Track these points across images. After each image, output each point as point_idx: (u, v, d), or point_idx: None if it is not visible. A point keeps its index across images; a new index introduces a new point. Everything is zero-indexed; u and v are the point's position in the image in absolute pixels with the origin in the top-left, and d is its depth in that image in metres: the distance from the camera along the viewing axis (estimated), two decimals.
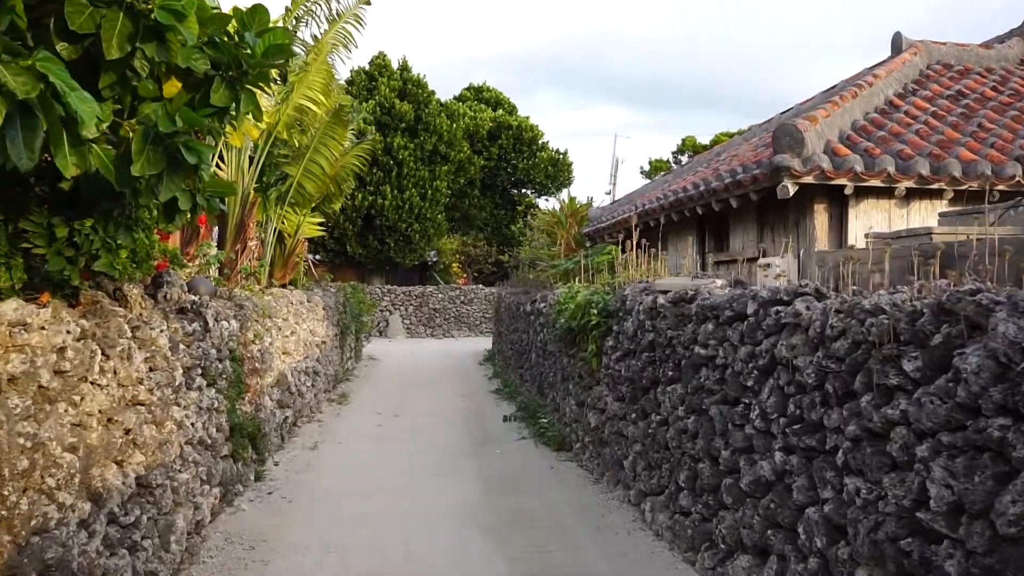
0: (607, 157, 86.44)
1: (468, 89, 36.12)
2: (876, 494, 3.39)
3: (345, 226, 27.93)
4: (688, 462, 5.43)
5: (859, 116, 8.82)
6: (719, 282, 6.10)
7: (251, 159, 12.20)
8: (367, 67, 29.96)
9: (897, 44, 11.27)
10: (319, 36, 13.12)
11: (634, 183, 57.74)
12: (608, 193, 32.29)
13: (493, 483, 7.89)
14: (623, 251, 7.82)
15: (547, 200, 35.33)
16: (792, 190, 7.55)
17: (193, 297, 6.20)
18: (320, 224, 18.39)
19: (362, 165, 16.09)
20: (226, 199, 12.03)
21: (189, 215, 5.30)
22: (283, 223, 14.39)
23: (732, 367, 4.81)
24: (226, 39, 4.17)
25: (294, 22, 13.06)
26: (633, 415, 6.70)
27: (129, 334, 4.57)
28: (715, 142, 29.89)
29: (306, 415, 10.65)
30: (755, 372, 4.52)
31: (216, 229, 12.11)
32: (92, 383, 4.03)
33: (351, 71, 30.19)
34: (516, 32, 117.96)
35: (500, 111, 34.42)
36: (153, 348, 4.95)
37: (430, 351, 23.07)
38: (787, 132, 7.52)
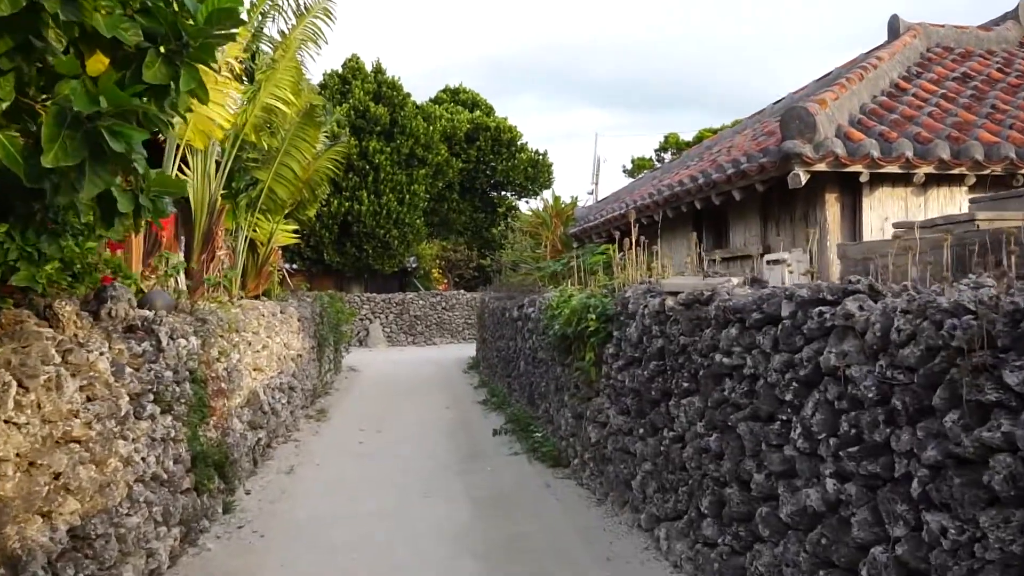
0: (586, 159, 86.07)
1: (444, 91, 35.37)
2: (970, 535, 2.76)
3: (321, 233, 27.12)
4: (711, 485, 4.79)
5: (867, 99, 8.25)
6: (735, 280, 5.47)
7: (218, 164, 11.48)
8: (340, 70, 29.19)
9: (894, 27, 10.74)
10: (286, 32, 12.41)
11: (616, 183, 57.33)
12: (591, 193, 31.74)
13: (486, 504, 7.23)
14: (621, 250, 7.18)
15: (528, 202, 34.67)
16: (804, 179, 6.95)
17: (147, 313, 5.50)
18: (295, 232, 17.64)
19: (337, 169, 15.36)
20: (193, 206, 11.33)
21: (132, 219, 4.63)
22: (255, 231, 13.67)
23: (765, 378, 4.18)
24: (162, 4, 3.48)
25: (260, 17, 12.33)
26: (641, 430, 6.06)
27: (58, 359, 3.86)
28: (699, 138, 29.40)
29: (282, 435, 9.92)
30: (794, 384, 3.89)
31: (183, 239, 11.38)
32: (6, 422, 3.32)
33: (324, 74, 29.41)
34: (491, 38, 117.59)
35: (477, 112, 33.70)
36: (91, 374, 4.24)
37: (412, 360, 22.34)
38: (797, 116, 6.92)
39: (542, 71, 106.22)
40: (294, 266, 28.29)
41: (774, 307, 4.14)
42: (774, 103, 12.68)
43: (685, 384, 5.21)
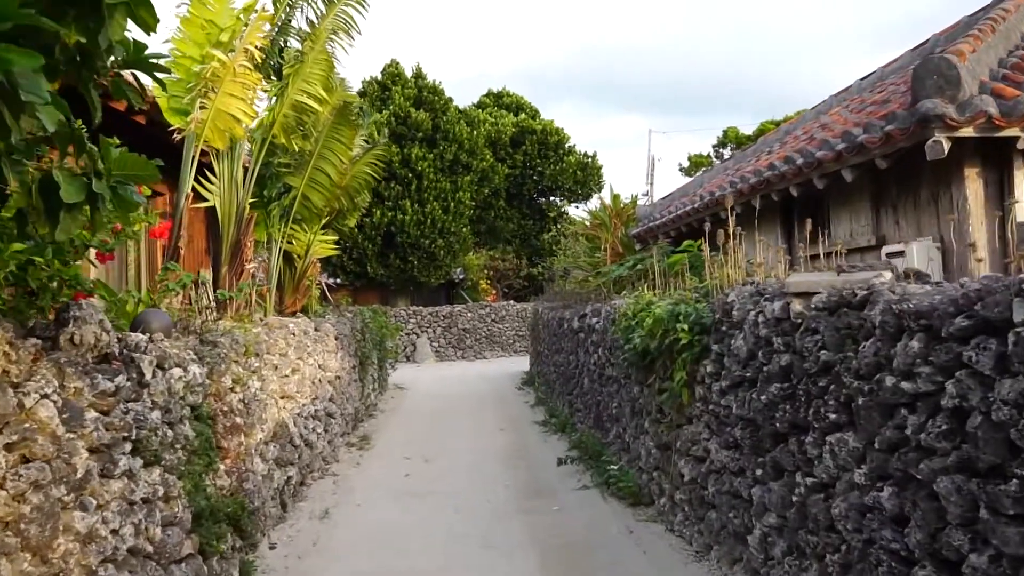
0: (631, 165, 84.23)
1: (487, 95, 34.24)
2: None
3: (364, 245, 26.11)
4: (886, 560, 3.43)
5: (1003, 54, 6.81)
6: (887, 275, 4.11)
7: (246, 170, 10.44)
8: (379, 76, 28.27)
9: None
10: (316, 22, 11.34)
11: (670, 183, 55.71)
12: (646, 194, 30.20)
13: (557, 556, 5.96)
14: (715, 247, 5.85)
15: (577, 207, 33.30)
16: (946, 147, 5.53)
17: (137, 337, 4.34)
18: (336, 243, 16.63)
19: (376, 175, 14.16)
20: (220, 216, 10.30)
21: (90, 215, 3.52)
22: (290, 243, 12.63)
23: (983, 413, 2.83)
24: None
25: (287, 9, 11.24)
26: (758, 471, 4.71)
27: None
28: (761, 131, 27.79)
29: (318, 468, 8.76)
30: None
31: (212, 254, 10.35)
32: None
33: (362, 82, 28.51)
34: (528, 48, 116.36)
35: (522, 115, 32.47)
36: (26, 427, 3.07)
37: (462, 375, 21.15)
38: (936, 69, 5.51)
39: (581, 77, 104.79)
40: (337, 280, 27.36)
41: (997, 309, 2.79)
42: (861, 79, 11.22)
43: (831, 416, 3.86)
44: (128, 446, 3.91)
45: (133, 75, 3.64)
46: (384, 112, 26.31)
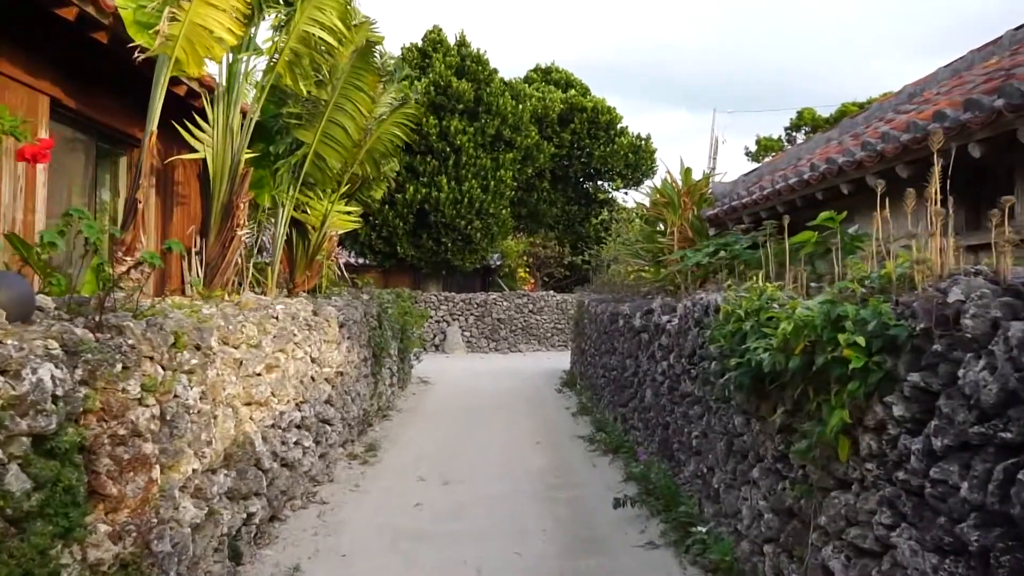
0: (677, 161, 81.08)
1: (535, 71, 31.93)
2: None
3: (394, 223, 24.07)
4: None
5: None
6: None
7: (244, 117, 8.49)
8: (419, 43, 26.18)
9: None
10: None
11: (734, 168, 52.79)
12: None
13: None
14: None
15: (627, 193, 30.91)
16: None
17: None
18: (360, 217, 14.62)
19: (407, 137, 11.98)
20: (211, 173, 8.41)
21: None
22: (306, 212, 10.68)
23: None
24: None
25: None
26: None
27: None
28: (842, 112, 25.20)
29: (301, 494, 6.75)
30: None
31: (202, 217, 8.42)
32: None
33: (401, 48, 26.45)
34: (568, 43, 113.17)
35: (572, 92, 30.13)
36: None
37: (495, 370, 19.07)
38: None
39: (621, 73, 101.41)
40: (364, 260, 25.42)
41: None
42: (1014, 29, 8.90)
43: None
44: None
45: None
46: (423, 80, 24.22)
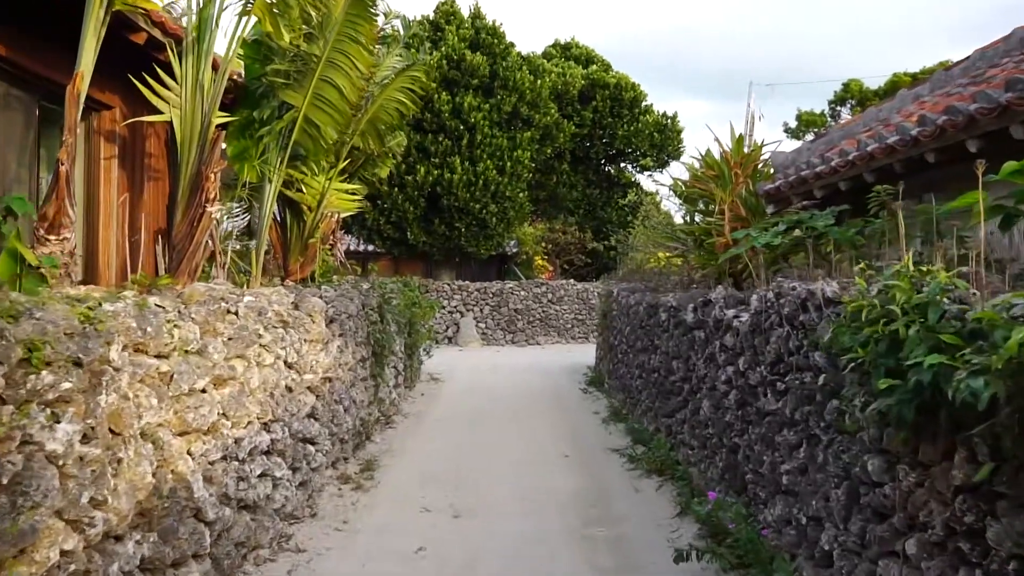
0: (696, 145, 79.06)
1: (554, 46, 30.16)
2: None
3: (404, 207, 22.47)
4: None
5: None
6: None
7: (215, 71, 7.00)
8: (432, 16, 24.55)
9: None
10: None
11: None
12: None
13: None
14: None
15: (651, 175, 29.10)
16: None
17: None
18: (366, 199, 13.07)
19: (414, 105, 10.32)
20: (179, 138, 6.98)
21: None
22: (300, 191, 9.19)
23: None
24: None
25: None
26: None
27: None
28: (892, 83, 23.34)
29: (268, 543, 5.23)
30: None
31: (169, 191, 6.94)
32: None
33: (412, 21, 24.80)
34: (587, 26, 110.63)
35: (593, 67, 28.36)
36: None
37: (512, 365, 17.51)
38: None
39: (647, 59, 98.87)
40: (371, 247, 23.88)
41: None
42: None
43: None
44: None
45: None
46: (435, 53, 22.58)
